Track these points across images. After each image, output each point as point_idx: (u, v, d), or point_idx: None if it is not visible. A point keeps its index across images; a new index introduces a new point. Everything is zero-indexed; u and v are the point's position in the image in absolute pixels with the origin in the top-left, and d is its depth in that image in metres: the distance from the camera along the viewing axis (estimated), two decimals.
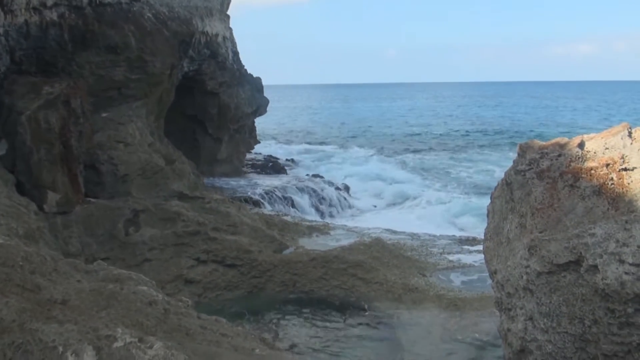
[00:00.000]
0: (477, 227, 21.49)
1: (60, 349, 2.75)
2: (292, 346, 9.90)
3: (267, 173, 27.39)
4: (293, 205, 21.95)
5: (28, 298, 3.20)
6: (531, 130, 57.10)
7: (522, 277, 4.36)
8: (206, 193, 15.96)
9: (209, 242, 12.79)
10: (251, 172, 27.09)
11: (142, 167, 14.39)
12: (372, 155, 41.96)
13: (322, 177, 27.75)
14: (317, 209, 22.76)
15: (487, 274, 11.12)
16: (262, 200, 20.66)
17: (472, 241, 15.00)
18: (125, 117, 14.84)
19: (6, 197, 9.89)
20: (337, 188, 25.76)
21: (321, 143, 50.08)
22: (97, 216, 12.24)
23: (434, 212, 25.15)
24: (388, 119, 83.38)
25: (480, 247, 13.72)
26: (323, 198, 23.79)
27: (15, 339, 2.74)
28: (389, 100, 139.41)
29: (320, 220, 20.21)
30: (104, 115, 14.40)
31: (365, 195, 27.17)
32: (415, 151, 45.15)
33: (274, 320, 11.31)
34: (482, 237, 15.03)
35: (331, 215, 22.85)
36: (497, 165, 36.48)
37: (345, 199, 25.14)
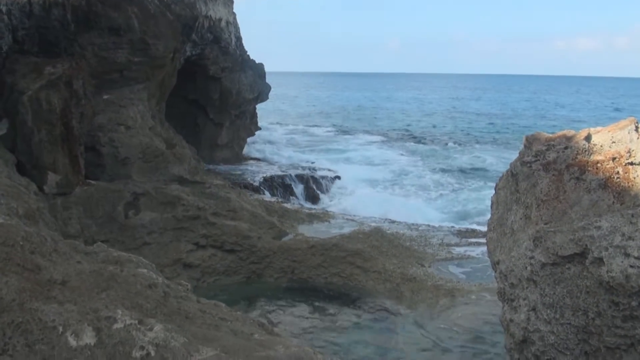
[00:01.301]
0: (468, 218, 21.62)
1: (60, 329, 2.74)
2: (290, 332, 9.91)
3: (265, 160, 27.41)
4: (292, 193, 22.01)
5: (28, 278, 3.18)
6: (524, 127, 57.00)
7: (526, 268, 4.35)
8: (206, 178, 15.95)
9: (208, 227, 12.78)
10: (250, 158, 27.10)
11: (143, 150, 14.35)
12: (369, 142, 42.06)
13: (313, 163, 27.84)
14: (312, 196, 22.83)
15: (486, 265, 11.14)
16: (262, 187, 20.68)
17: (471, 233, 15.00)
18: (127, 100, 14.78)
19: (6, 176, 9.85)
20: (336, 176, 25.79)
21: (319, 127, 50.22)
22: (97, 198, 12.22)
23: (427, 200, 25.27)
24: (386, 107, 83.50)
25: (478, 239, 13.76)
26: (318, 183, 23.85)
27: (15, 318, 2.72)
28: (389, 90, 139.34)
29: (312, 207, 20.26)
30: (105, 97, 14.34)
31: (359, 181, 27.18)
32: (413, 139, 45.16)
33: (272, 306, 11.32)
34: (480, 229, 15.00)
35: (325, 203, 22.88)
36: (495, 157, 36.54)
37: (337, 185, 25.15)
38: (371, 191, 25.90)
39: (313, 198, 22.70)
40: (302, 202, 21.68)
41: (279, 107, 69.45)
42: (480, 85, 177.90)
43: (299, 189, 22.72)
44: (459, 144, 43.53)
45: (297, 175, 23.53)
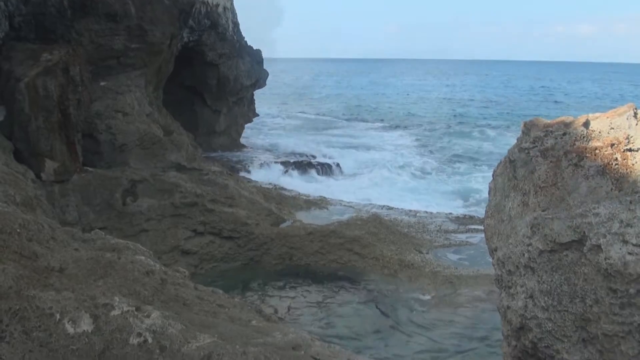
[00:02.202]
0: (462, 203, 21.68)
1: (57, 316, 2.73)
2: (287, 319, 9.94)
3: (263, 147, 27.39)
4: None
5: (25, 265, 3.17)
6: (522, 113, 56.94)
7: (523, 255, 4.34)
8: (204, 165, 15.93)
9: (206, 213, 12.78)
10: (248, 145, 27.08)
11: (140, 137, 14.32)
12: (366, 128, 42.11)
13: (313, 155, 27.85)
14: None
15: (483, 252, 11.16)
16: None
17: (469, 219, 15.04)
18: (124, 87, 14.72)
19: (4, 163, 9.82)
20: (335, 163, 25.78)
21: (315, 114, 50.21)
22: (94, 185, 12.20)
23: (423, 186, 25.31)
24: (384, 92, 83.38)
25: (476, 226, 13.79)
26: (315, 170, 23.87)
27: (12, 306, 2.71)
28: (386, 76, 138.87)
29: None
30: (102, 84, 14.28)
31: (355, 166, 27.18)
32: (409, 125, 45.14)
33: (270, 293, 11.35)
34: (477, 216, 15.01)
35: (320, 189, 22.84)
36: (491, 143, 36.57)
37: (333, 173, 25.14)
38: (366, 176, 25.94)
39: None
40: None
41: (276, 93, 69.30)
42: (479, 71, 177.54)
43: (293, 177, 22.72)
44: (455, 130, 43.50)
45: (294, 162, 23.53)
